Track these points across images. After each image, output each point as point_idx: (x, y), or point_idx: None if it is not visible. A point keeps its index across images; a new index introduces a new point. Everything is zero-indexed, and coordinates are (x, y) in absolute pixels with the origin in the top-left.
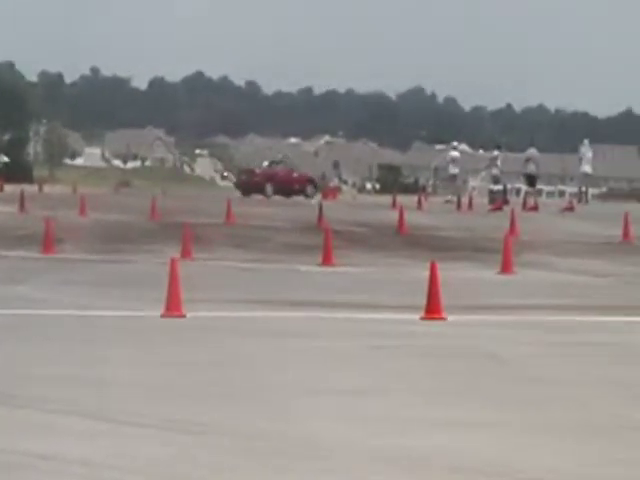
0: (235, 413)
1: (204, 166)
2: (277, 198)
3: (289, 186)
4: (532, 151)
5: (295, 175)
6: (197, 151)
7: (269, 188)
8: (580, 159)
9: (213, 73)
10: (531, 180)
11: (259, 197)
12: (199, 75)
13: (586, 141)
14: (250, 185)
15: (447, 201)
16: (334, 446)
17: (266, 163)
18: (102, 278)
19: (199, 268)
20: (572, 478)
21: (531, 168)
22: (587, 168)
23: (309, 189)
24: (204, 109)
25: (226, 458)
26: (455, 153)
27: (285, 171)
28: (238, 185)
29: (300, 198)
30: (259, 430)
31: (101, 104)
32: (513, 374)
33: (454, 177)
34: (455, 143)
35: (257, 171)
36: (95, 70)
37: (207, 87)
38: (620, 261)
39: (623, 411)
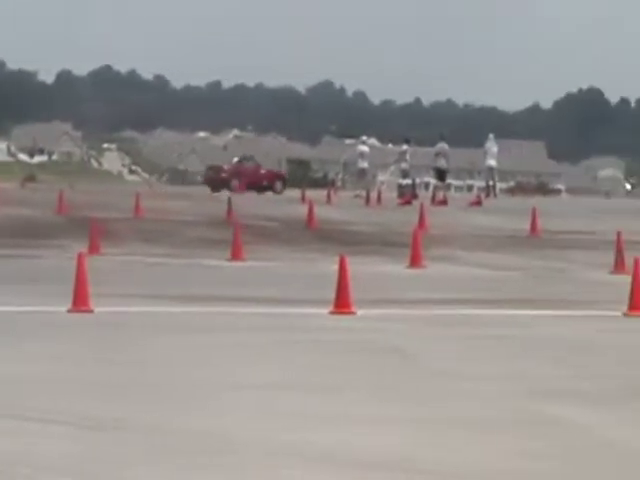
0: (152, 410)
1: (112, 160)
2: (188, 191)
3: (257, 182)
4: (442, 145)
5: (263, 171)
6: (105, 145)
7: (235, 184)
8: (485, 153)
9: (121, 67)
10: (441, 174)
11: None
12: (107, 69)
13: (491, 135)
14: (217, 181)
15: (356, 195)
16: (248, 441)
17: (236, 159)
18: (8, 273)
19: (107, 263)
20: (476, 472)
21: (441, 162)
22: (492, 162)
23: (278, 185)
24: (112, 103)
25: (137, 455)
26: (364, 147)
27: (253, 167)
28: (207, 181)
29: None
30: (175, 427)
31: (7, 98)
32: (420, 368)
33: (363, 171)
34: (364, 137)
35: (225, 167)
36: (1, 64)
37: (115, 81)
38: (527, 255)
39: (526, 405)
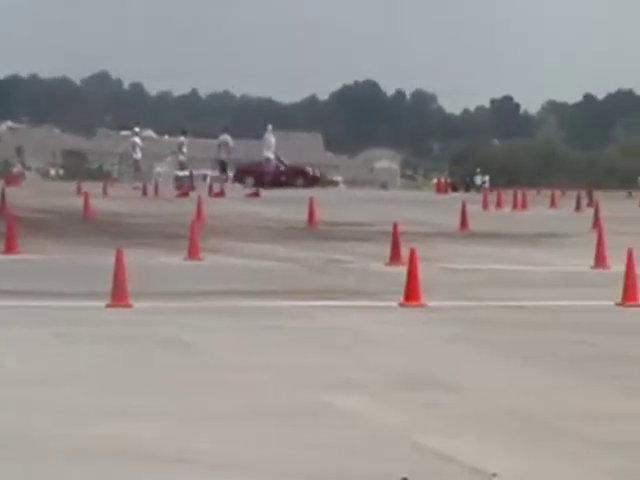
0: None
1: None
2: None
3: None
4: (224, 137)
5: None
6: None
7: None
8: (264, 145)
9: None
10: (222, 166)
11: None
12: None
13: (269, 127)
14: None
15: (134, 187)
16: (15, 436)
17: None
18: None
19: None
20: (249, 460)
21: (223, 154)
22: (269, 154)
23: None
24: None
25: None
26: (137, 139)
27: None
28: None
29: None
30: None
31: None
32: (198, 360)
33: (137, 163)
34: (137, 129)
35: None
36: None
37: None
38: (305, 246)
39: (304, 395)
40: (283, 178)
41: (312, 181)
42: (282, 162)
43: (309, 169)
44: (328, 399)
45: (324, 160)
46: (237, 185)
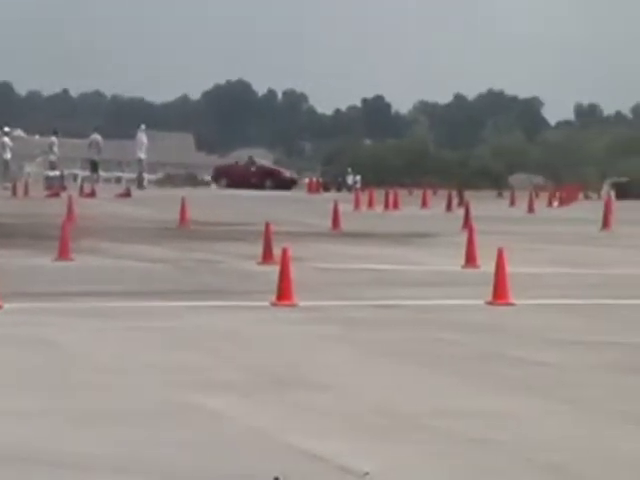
0: None
1: None
2: None
3: None
4: (95, 137)
5: None
6: None
7: None
8: (136, 145)
9: None
10: (93, 166)
11: None
12: None
13: (142, 126)
14: None
15: (4, 188)
16: None
17: None
18: None
19: None
20: (118, 461)
21: (93, 154)
22: (141, 154)
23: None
24: None
25: None
26: (6, 139)
27: None
28: None
29: None
30: None
31: None
32: (66, 361)
33: (6, 163)
34: (7, 129)
35: None
36: None
37: None
38: (177, 246)
39: (173, 395)
40: (253, 179)
41: (289, 183)
42: (254, 163)
43: (283, 171)
44: (198, 399)
45: (195, 160)
46: (213, 185)
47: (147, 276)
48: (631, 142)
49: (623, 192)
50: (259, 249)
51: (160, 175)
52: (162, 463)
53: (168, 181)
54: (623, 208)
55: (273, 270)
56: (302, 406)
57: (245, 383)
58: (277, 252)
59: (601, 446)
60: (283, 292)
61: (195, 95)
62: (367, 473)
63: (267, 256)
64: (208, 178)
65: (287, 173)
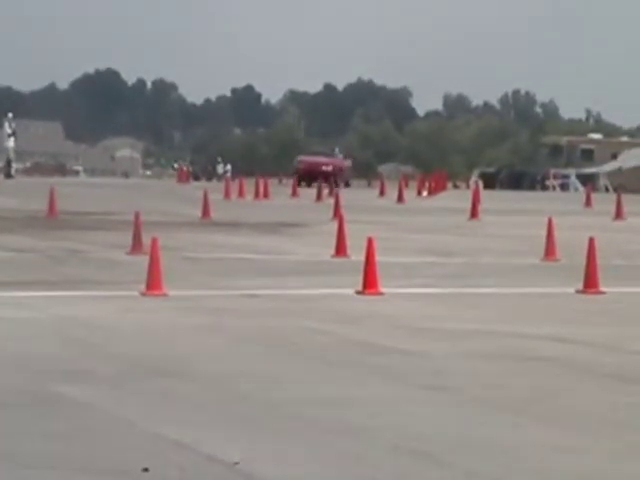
0: None
1: None
2: None
3: None
4: None
5: None
6: None
7: None
8: (3, 134)
9: None
10: None
11: None
12: None
13: (10, 115)
14: None
15: None
16: None
17: None
18: None
19: None
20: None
21: None
22: (9, 143)
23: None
24: None
25: None
26: None
27: None
28: None
29: None
30: None
31: None
32: None
33: None
34: None
35: None
36: None
37: None
38: (46, 236)
39: (35, 386)
40: None
41: None
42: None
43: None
44: (64, 390)
45: (64, 149)
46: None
47: (14, 266)
48: (498, 132)
49: (491, 182)
50: (128, 239)
51: (28, 164)
52: (32, 455)
53: (37, 170)
54: (491, 197)
55: (143, 260)
56: (172, 396)
57: (115, 373)
58: (147, 242)
59: (469, 433)
60: (153, 282)
61: (63, 84)
62: (237, 462)
63: (137, 246)
64: (77, 167)
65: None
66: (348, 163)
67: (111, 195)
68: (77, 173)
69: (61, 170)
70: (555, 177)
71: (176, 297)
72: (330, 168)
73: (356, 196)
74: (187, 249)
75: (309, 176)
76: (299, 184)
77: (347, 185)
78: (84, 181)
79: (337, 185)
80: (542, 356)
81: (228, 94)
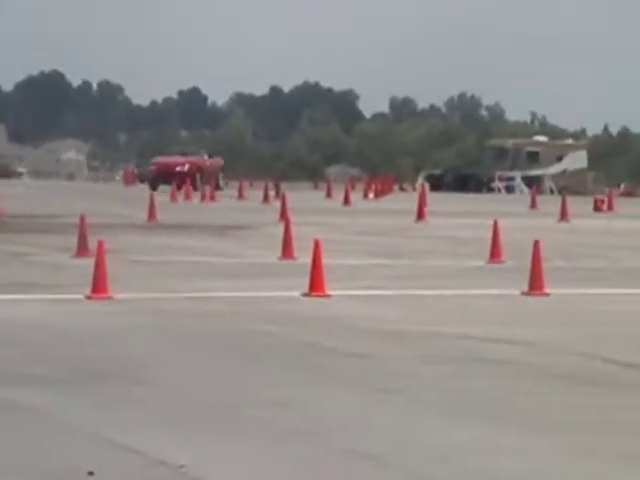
0: None
1: None
2: None
3: None
4: None
5: None
6: None
7: None
8: None
9: None
10: None
11: None
12: None
13: None
14: None
15: None
16: None
17: None
18: None
19: None
20: None
21: None
22: None
23: None
24: None
25: None
26: None
27: None
28: None
29: None
30: None
31: None
32: None
33: None
34: None
35: None
36: None
37: None
38: None
39: None
40: None
41: None
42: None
43: None
44: (8, 394)
45: (8, 151)
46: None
47: None
48: (444, 134)
49: (437, 184)
50: (74, 241)
51: None
52: None
53: None
54: (437, 200)
55: (88, 263)
56: (118, 399)
57: (60, 377)
58: (93, 244)
59: (418, 435)
60: (98, 285)
61: (8, 86)
62: (183, 465)
63: (82, 249)
64: (21, 169)
65: None
66: (215, 162)
67: (56, 197)
68: (21, 175)
69: (5, 172)
70: (501, 179)
71: (122, 300)
72: (186, 168)
73: (303, 198)
74: (133, 252)
75: (164, 178)
76: (154, 188)
77: (218, 187)
78: (28, 183)
79: (195, 187)
80: (490, 358)
81: (174, 96)
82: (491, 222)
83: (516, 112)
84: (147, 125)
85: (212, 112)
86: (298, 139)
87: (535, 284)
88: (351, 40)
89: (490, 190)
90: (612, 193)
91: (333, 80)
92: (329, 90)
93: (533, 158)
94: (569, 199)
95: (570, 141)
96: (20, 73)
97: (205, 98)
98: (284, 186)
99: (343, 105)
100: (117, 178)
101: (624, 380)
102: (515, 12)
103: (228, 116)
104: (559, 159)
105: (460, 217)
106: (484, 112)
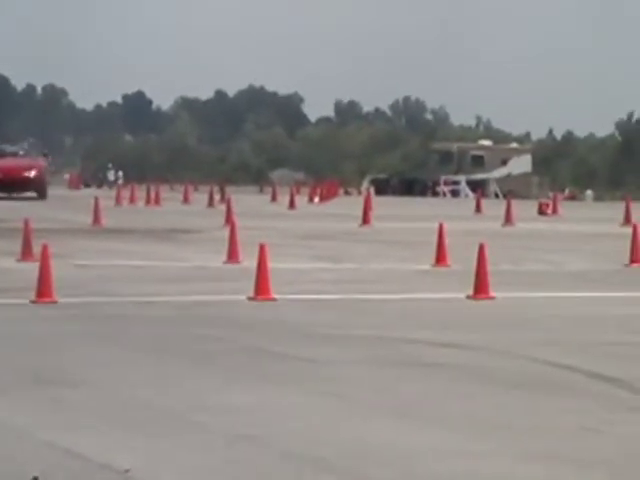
0: None
1: None
2: None
3: None
4: None
5: None
6: None
7: None
8: None
9: None
10: None
11: None
12: None
13: None
14: None
15: None
16: None
17: None
18: None
19: None
20: None
21: None
22: None
23: None
24: None
25: None
26: None
27: None
28: None
29: None
30: None
31: None
32: None
33: None
34: None
35: None
36: None
37: None
38: None
39: None
40: None
41: None
42: None
43: None
44: None
45: None
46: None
47: None
48: (389, 138)
49: (383, 188)
50: (18, 246)
51: None
52: None
53: None
54: (382, 204)
55: (33, 267)
56: (61, 403)
57: (3, 381)
58: (37, 249)
59: (363, 439)
60: (43, 289)
61: None
62: (128, 470)
63: (26, 253)
64: None
65: None
66: (40, 162)
67: None
68: None
69: None
70: (446, 183)
71: (66, 305)
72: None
73: (248, 202)
74: (78, 256)
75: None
76: None
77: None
78: None
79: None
80: (433, 362)
81: (119, 100)
82: (436, 226)
83: (461, 116)
84: (91, 129)
85: (157, 116)
86: (243, 143)
87: (480, 288)
88: (296, 44)
89: (435, 194)
90: (557, 197)
91: (278, 84)
92: (274, 94)
93: (478, 162)
94: (514, 203)
95: (515, 145)
96: None
97: (150, 102)
98: (229, 190)
99: (288, 109)
100: (65, 176)
101: (561, 382)
102: (458, 16)
103: (173, 120)
104: (504, 163)
105: (405, 221)
106: (429, 116)
